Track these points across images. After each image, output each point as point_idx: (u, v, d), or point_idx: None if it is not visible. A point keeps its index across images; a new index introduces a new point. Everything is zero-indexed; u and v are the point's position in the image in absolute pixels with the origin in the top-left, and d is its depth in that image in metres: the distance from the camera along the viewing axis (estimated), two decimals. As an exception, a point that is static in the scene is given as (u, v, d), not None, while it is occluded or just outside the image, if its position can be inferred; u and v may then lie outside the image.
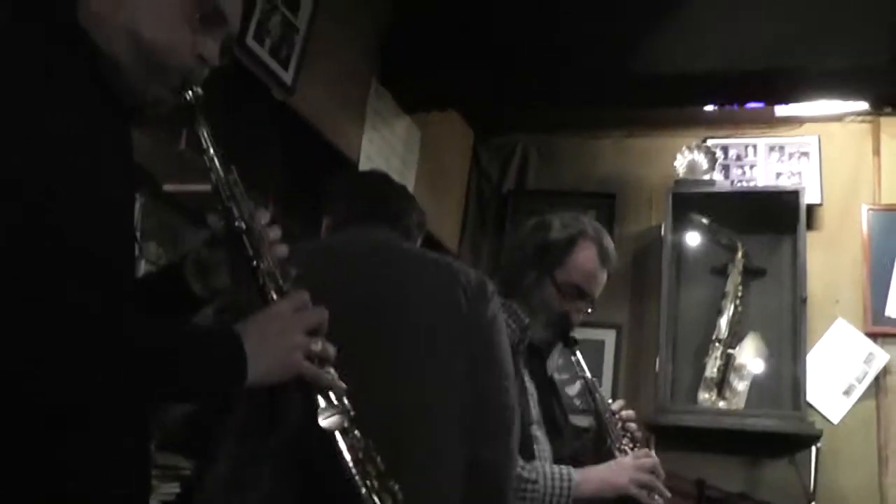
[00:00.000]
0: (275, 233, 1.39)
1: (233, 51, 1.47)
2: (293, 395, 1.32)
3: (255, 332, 1.24)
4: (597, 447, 2.34)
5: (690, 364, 4.48)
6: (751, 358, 4.31)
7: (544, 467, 2.14)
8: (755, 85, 3.53)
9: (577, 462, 2.23)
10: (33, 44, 1.18)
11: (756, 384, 4.32)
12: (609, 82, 3.82)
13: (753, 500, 4.01)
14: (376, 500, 1.30)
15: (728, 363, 4.31)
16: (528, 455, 2.15)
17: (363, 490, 1.29)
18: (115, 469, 1.22)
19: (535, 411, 2.29)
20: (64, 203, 1.13)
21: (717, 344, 4.34)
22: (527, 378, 2.32)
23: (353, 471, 1.29)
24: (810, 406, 4.15)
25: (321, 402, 1.29)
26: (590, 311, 2.41)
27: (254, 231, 1.35)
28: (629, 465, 2.20)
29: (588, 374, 2.38)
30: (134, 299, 1.31)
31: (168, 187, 2.78)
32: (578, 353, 2.38)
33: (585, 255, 2.36)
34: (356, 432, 1.32)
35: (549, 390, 2.46)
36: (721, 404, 4.26)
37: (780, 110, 4.44)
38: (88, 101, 1.23)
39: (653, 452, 2.30)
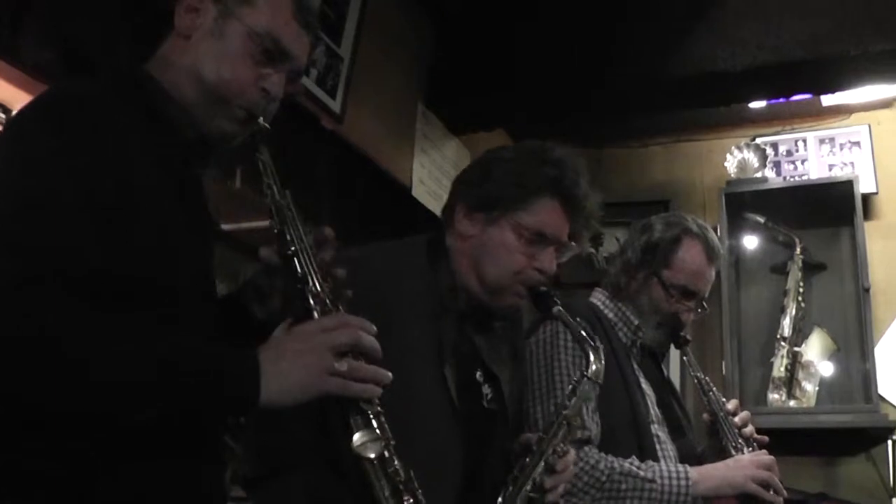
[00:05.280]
0: (329, 254, 1.40)
1: (300, 84, 1.56)
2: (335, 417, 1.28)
3: (272, 351, 1.22)
4: (712, 446, 2.30)
5: (757, 366, 4.44)
6: (818, 354, 4.24)
7: (661, 466, 2.09)
8: (799, 76, 3.51)
9: (702, 463, 2.19)
10: (110, 103, 1.31)
11: (825, 380, 4.26)
12: (652, 89, 3.83)
13: (833, 499, 3.93)
14: None
15: (795, 361, 4.25)
16: (652, 455, 2.13)
17: None
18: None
19: (654, 411, 2.25)
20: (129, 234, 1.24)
21: (782, 343, 4.29)
22: (642, 380, 2.29)
23: (383, 502, 1.25)
24: (883, 399, 4.07)
25: (361, 426, 1.25)
26: (699, 310, 2.38)
27: (304, 254, 1.36)
28: (747, 462, 2.14)
29: (700, 374, 2.33)
30: (204, 322, 1.39)
31: (226, 226, 2.85)
32: (690, 353, 2.37)
33: (692, 254, 2.34)
34: (396, 463, 1.28)
35: (668, 391, 2.44)
36: (791, 403, 4.20)
37: (827, 101, 4.42)
38: (153, 152, 1.33)
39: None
